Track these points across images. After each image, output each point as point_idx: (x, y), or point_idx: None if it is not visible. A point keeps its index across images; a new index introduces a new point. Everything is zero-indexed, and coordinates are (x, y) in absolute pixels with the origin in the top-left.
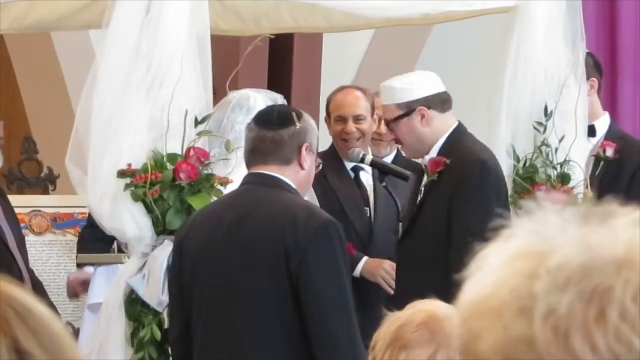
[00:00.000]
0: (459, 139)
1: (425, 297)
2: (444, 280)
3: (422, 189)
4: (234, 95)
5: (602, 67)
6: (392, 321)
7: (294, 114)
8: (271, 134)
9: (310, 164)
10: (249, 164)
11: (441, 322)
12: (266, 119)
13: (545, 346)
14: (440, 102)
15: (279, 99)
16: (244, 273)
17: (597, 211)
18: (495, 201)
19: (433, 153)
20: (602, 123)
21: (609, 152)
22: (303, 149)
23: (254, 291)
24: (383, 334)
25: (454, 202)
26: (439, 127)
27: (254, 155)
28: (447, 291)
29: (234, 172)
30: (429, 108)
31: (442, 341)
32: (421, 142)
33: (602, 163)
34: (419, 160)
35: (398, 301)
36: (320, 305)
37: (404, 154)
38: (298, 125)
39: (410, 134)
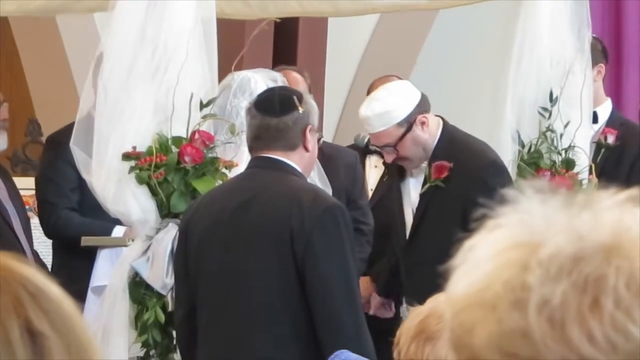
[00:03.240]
0: (453, 137)
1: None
2: None
3: (420, 195)
4: (233, 79)
5: (608, 53)
6: (415, 315)
7: (295, 98)
8: (275, 121)
9: (313, 144)
10: (252, 149)
11: None
12: (269, 106)
13: (542, 338)
14: (427, 103)
15: (278, 77)
16: (250, 256)
17: (580, 197)
18: None
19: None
20: (604, 109)
21: (610, 140)
22: (307, 132)
23: (260, 274)
24: (406, 328)
25: (472, 203)
26: (433, 129)
27: (258, 141)
28: None
29: (238, 155)
30: (423, 113)
31: None
32: (426, 149)
33: (602, 150)
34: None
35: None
36: (325, 288)
37: (406, 169)
38: (301, 109)
39: (416, 146)
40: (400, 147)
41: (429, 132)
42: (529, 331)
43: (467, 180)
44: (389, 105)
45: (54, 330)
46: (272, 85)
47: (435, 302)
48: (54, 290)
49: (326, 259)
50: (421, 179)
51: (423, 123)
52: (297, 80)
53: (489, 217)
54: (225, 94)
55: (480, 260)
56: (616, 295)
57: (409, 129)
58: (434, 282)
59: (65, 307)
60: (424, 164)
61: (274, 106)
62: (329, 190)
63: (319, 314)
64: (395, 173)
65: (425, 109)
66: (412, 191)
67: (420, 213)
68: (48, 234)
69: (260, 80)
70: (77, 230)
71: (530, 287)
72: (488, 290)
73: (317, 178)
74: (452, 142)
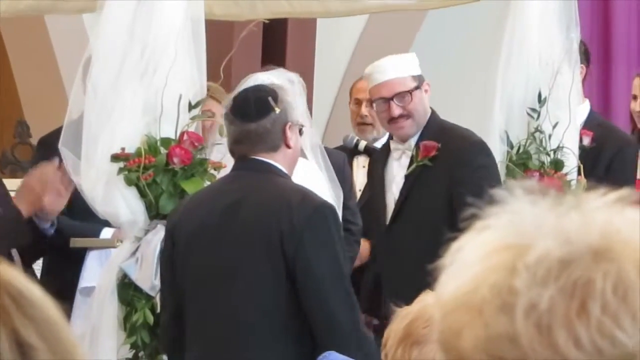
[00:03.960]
0: (441, 122)
1: (424, 283)
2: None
3: (405, 176)
4: (246, 84)
5: (591, 55)
6: (402, 317)
7: (270, 99)
8: (254, 126)
9: (295, 139)
10: (234, 152)
11: None
12: (245, 111)
13: (529, 343)
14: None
15: (294, 78)
16: (239, 258)
17: (570, 197)
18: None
19: (415, 136)
20: (582, 111)
21: (586, 141)
22: (287, 130)
23: (249, 276)
24: (394, 331)
25: (458, 183)
26: (427, 109)
27: (239, 145)
28: None
29: (228, 157)
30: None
31: None
32: (425, 116)
33: (579, 151)
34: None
35: (396, 291)
36: (319, 290)
37: (401, 134)
38: (277, 110)
39: (422, 107)
40: (408, 99)
41: (426, 105)
42: (516, 336)
43: (452, 160)
44: (405, 57)
45: (42, 340)
46: (289, 87)
47: (422, 304)
48: (38, 294)
49: (318, 259)
50: (404, 162)
51: (426, 91)
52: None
53: (477, 216)
54: None
55: (469, 262)
56: (603, 301)
57: (418, 86)
58: (413, 271)
59: (50, 313)
60: (410, 150)
61: (250, 110)
62: (340, 194)
63: (314, 315)
64: (382, 156)
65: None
66: (397, 175)
67: (405, 194)
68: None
69: (276, 83)
70: (65, 232)
71: (518, 291)
72: (475, 294)
73: (326, 181)
74: (440, 126)
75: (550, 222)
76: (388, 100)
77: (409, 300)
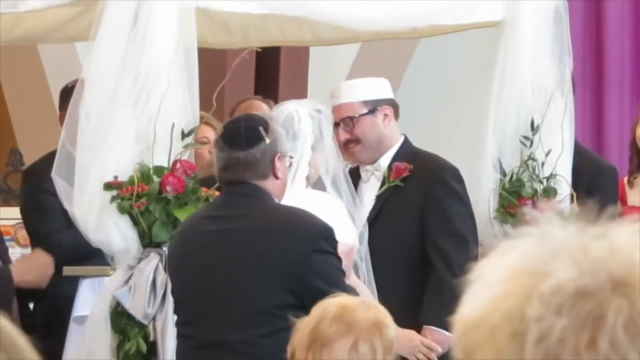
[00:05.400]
0: (415, 148)
1: (395, 300)
2: (411, 282)
3: (376, 197)
4: (277, 114)
5: (575, 86)
6: (305, 324)
7: (261, 128)
8: (243, 154)
9: (283, 170)
10: (222, 179)
11: (354, 312)
12: (235, 139)
13: None
14: (396, 108)
15: (322, 109)
16: (239, 282)
17: (599, 224)
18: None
19: (386, 160)
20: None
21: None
22: (276, 161)
23: (250, 299)
24: (299, 339)
25: (430, 206)
26: (394, 132)
27: (227, 172)
28: (414, 291)
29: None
30: (391, 109)
31: (360, 330)
32: (381, 142)
33: None
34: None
35: None
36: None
37: (352, 160)
38: (267, 140)
39: (372, 133)
40: (358, 124)
41: (390, 131)
42: None
43: (427, 179)
44: (362, 82)
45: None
46: (316, 117)
47: (322, 307)
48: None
49: (324, 280)
50: (374, 184)
51: (386, 115)
52: (262, 109)
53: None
54: None
55: (489, 283)
56: (613, 337)
57: (371, 112)
58: (384, 288)
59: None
60: (380, 171)
61: (240, 139)
62: (358, 215)
63: None
64: (353, 178)
65: (394, 108)
66: (365, 196)
67: (374, 214)
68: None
69: (304, 115)
70: (78, 250)
71: (530, 320)
72: (490, 317)
73: (346, 201)
74: (412, 151)
75: (575, 249)
76: (337, 124)
77: None
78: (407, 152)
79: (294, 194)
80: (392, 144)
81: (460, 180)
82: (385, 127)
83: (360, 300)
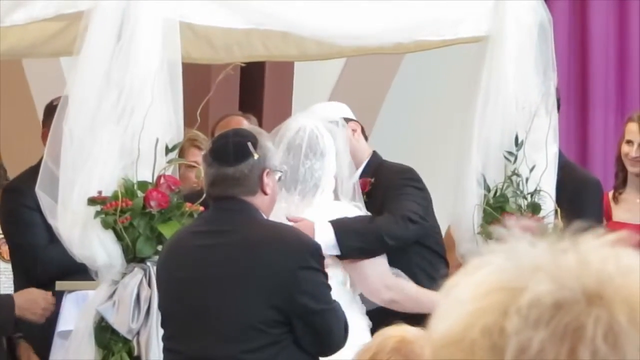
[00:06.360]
0: (383, 161)
1: None
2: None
3: None
4: (300, 137)
5: (561, 100)
6: (364, 352)
7: (249, 144)
8: (231, 170)
9: (272, 186)
10: (210, 195)
11: (412, 345)
12: (224, 155)
13: None
14: (362, 128)
15: (339, 121)
16: (227, 297)
17: (568, 238)
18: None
19: (356, 176)
20: None
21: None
22: (264, 176)
23: (238, 317)
24: None
25: (386, 195)
26: (364, 148)
27: (215, 188)
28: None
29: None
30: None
31: None
32: (352, 155)
33: None
34: None
35: None
36: (320, 324)
37: None
38: (256, 156)
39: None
40: None
41: (359, 145)
42: None
43: (383, 186)
44: (329, 105)
45: None
46: (332, 130)
47: (382, 337)
48: None
49: (314, 297)
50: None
51: (354, 131)
52: (242, 125)
53: (476, 254)
54: (296, 154)
55: (462, 300)
56: (594, 347)
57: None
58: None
59: None
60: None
61: (228, 155)
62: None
63: (311, 338)
64: None
65: (360, 127)
66: None
67: None
68: (37, 278)
69: (324, 132)
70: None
71: (509, 334)
72: (468, 333)
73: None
74: (378, 163)
75: (547, 264)
76: None
77: None
78: (373, 166)
79: (322, 206)
80: (362, 160)
81: (418, 179)
82: (356, 140)
83: (420, 333)
